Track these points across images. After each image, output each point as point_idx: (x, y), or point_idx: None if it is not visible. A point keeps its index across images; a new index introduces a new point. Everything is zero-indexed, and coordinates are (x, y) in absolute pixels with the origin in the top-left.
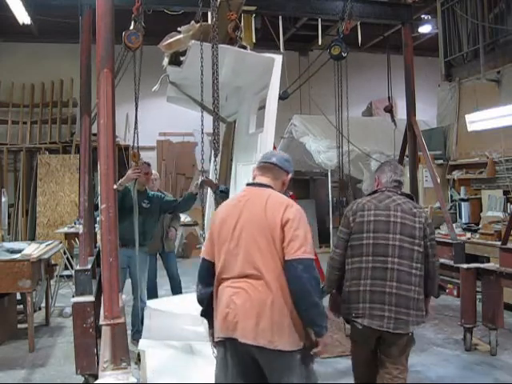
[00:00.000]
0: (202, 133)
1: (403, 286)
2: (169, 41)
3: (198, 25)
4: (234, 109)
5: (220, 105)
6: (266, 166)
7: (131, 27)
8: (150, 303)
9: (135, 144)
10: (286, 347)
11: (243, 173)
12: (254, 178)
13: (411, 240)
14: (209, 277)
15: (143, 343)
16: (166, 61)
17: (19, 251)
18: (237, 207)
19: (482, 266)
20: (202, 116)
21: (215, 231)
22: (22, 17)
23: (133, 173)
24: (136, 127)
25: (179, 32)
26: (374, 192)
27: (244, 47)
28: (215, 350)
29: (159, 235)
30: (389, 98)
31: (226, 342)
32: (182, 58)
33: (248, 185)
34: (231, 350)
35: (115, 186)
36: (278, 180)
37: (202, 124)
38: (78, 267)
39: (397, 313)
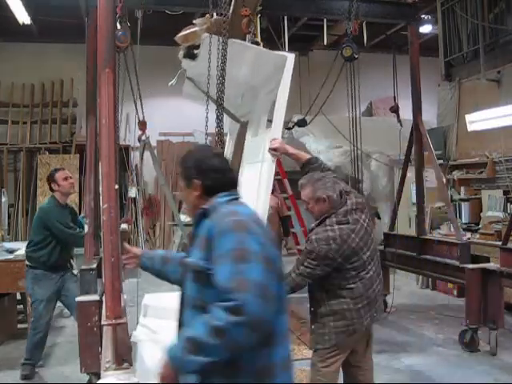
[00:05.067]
0: (206, 133)
1: None
2: (185, 33)
3: (213, 18)
4: (248, 108)
5: (235, 104)
6: None
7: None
8: (147, 299)
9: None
10: None
11: (246, 171)
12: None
13: None
14: None
15: (137, 336)
16: (181, 54)
17: None
18: None
19: (485, 266)
20: (207, 117)
21: None
22: (22, 17)
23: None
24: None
25: (194, 25)
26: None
27: (257, 43)
28: None
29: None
30: (394, 97)
31: None
32: (195, 52)
33: None
34: None
35: (116, 187)
36: None
37: (206, 125)
38: (83, 266)
39: None
